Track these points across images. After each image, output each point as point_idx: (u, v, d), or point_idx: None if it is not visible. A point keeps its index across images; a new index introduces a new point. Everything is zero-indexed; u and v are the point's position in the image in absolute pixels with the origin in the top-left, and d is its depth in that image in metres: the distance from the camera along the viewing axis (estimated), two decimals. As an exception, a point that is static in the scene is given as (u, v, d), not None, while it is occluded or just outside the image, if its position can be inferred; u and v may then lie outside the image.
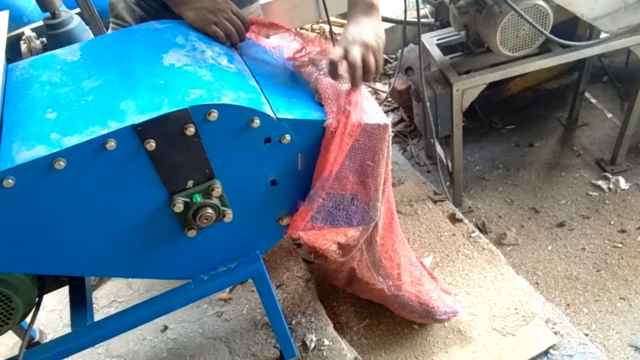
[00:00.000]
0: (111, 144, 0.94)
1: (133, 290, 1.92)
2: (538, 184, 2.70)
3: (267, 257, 1.90)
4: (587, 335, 2.01)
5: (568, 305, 2.14)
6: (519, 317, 1.76)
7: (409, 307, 1.66)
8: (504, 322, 1.75)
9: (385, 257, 1.56)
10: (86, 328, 1.18)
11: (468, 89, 2.14)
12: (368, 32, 1.12)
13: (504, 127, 3.08)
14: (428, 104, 2.15)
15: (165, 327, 1.74)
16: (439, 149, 2.58)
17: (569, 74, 3.09)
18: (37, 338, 1.66)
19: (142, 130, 0.95)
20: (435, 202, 2.26)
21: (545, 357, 1.67)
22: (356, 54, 1.07)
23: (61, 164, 0.92)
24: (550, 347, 1.68)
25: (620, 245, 2.33)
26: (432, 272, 1.82)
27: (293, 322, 1.67)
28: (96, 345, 1.72)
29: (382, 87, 3.49)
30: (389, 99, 3.37)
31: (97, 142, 0.93)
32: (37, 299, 1.21)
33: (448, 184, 2.60)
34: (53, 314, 1.88)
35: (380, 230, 1.48)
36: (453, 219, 2.16)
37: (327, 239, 1.73)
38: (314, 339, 1.61)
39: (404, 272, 1.63)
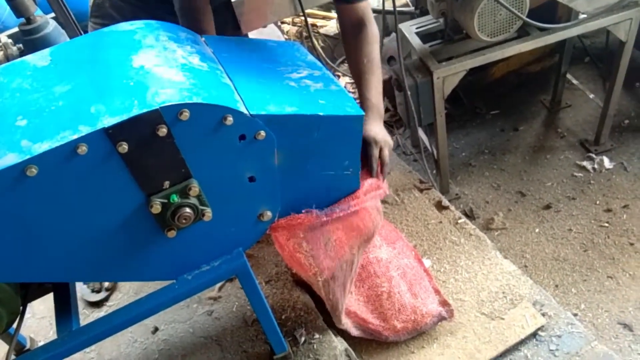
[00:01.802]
0: (83, 149, 0.93)
1: (122, 294, 1.92)
2: (524, 167, 2.72)
3: (256, 253, 1.90)
4: (576, 315, 2.04)
5: (557, 286, 2.16)
6: (507, 300, 1.77)
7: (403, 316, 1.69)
8: (492, 306, 1.77)
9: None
10: (72, 333, 1.18)
11: (448, 76, 2.15)
12: (386, 134, 1.47)
13: (489, 113, 3.09)
14: (409, 93, 2.15)
15: (156, 329, 1.75)
16: (423, 137, 2.58)
17: (551, 56, 3.10)
18: (27, 346, 1.66)
19: (113, 133, 0.94)
20: (421, 190, 2.26)
21: (534, 339, 1.69)
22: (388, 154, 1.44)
23: (33, 170, 0.92)
24: (539, 329, 1.69)
25: (606, 224, 2.35)
26: (428, 270, 1.83)
27: (283, 317, 1.67)
28: (87, 350, 1.72)
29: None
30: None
31: (68, 147, 0.92)
32: (21, 308, 1.21)
33: (434, 171, 2.61)
34: (43, 321, 1.88)
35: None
36: (439, 206, 2.17)
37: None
38: (304, 332, 1.62)
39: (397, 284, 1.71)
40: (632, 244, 2.25)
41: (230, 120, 1.02)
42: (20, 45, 1.87)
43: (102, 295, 1.88)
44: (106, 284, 1.91)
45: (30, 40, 1.81)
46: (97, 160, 0.96)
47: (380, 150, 1.42)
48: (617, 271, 2.17)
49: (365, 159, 1.42)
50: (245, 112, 1.05)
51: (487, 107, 3.12)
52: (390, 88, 2.95)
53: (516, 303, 1.76)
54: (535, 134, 2.91)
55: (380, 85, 1.53)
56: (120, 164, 0.99)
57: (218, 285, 1.82)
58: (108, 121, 0.94)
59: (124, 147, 0.96)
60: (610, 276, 2.16)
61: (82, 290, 1.89)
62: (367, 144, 1.40)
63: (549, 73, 3.10)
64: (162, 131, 0.97)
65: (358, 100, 1.47)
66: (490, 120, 3.06)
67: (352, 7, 1.52)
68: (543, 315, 1.72)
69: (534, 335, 1.69)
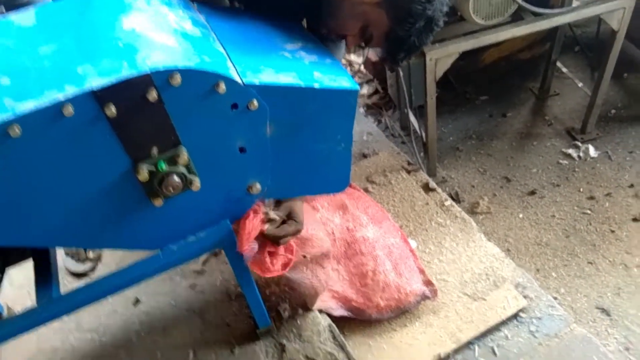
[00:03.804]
0: (69, 110, 0.90)
1: (103, 265, 1.89)
2: (510, 153, 2.74)
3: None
4: (555, 298, 2.07)
5: (538, 270, 2.19)
6: (490, 282, 1.79)
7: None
8: (475, 287, 1.79)
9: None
10: (51, 301, 1.16)
11: (441, 58, 2.13)
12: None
13: (478, 98, 3.09)
14: (401, 74, 2.13)
15: (137, 300, 1.73)
16: (413, 119, 2.57)
17: (542, 44, 3.11)
18: (5, 313, 1.63)
19: (101, 96, 0.91)
20: (409, 172, 2.26)
21: (515, 320, 1.71)
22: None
23: (16, 131, 0.88)
24: (520, 310, 1.72)
25: (588, 211, 2.39)
26: (414, 249, 1.84)
27: (267, 291, 1.67)
28: (66, 320, 1.70)
29: (356, 58, 3.45)
30: (363, 71, 3.34)
31: (54, 108, 0.89)
32: (0, 274, 1.18)
33: (422, 154, 2.61)
34: (21, 290, 1.85)
35: None
36: (426, 188, 2.18)
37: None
38: (288, 307, 1.62)
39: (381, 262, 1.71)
40: (612, 231, 2.29)
41: (222, 88, 1.00)
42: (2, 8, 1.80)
43: (87, 266, 1.85)
44: (91, 254, 1.87)
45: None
46: (84, 122, 0.93)
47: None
48: (597, 257, 2.21)
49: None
50: (239, 80, 1.02)
51: (476, 92, 3.12)
52: (382, 69, 2.94)
53: (499, 285, 1.78)
54: (523, 120, 2.92)
55: None
56: (107, 127, 0.95)
57: (202, 258, 1.81)
58: (96, 82, 0.91)
59: (112, 111, 0.93)
60: (591, 262, 2.20)
61: (65, 261, 1.86)
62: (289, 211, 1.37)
63: (539, 61, 3.11)
64: (152, 96, 0.94)
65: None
66: (480, 105, 3.06)
67: None
68: (524, 297, 1.75)
69: (515, 316, 1.71)
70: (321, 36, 1.30)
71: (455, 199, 2.54)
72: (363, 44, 1.32)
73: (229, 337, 1.59)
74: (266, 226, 1.29)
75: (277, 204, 1.39)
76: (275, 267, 1.33)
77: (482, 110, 3.03)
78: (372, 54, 2.99)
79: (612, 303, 2.03)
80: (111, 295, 1.23)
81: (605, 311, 2.01)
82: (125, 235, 1.15)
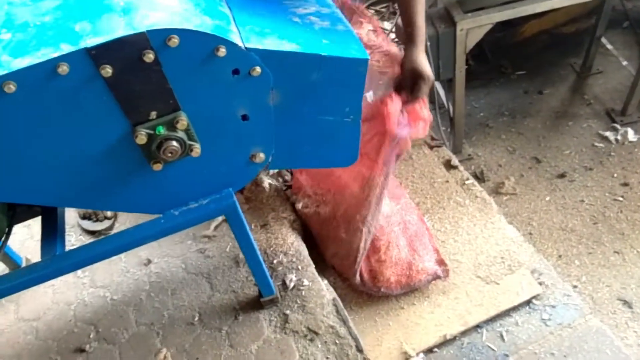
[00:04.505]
0: (63, 68, 0.88)
1: (120, 224, 1.92)
2: (543, 132, 2.62)
3: (254, 195, 1.87)
4: (575, 287, 2.00)
5: (560, 256, 2.11)
6: (505, 266, 1.74)
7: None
8: (489, 270, 1.73)
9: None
10: (54, 258, 1.17)
11: (473, 28, 2.02)
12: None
13: (514, 73, 2.95)
14: (429, 43, 2.03)
15: (149, 261, 1.75)
16: (441, 92, 2.48)
17: (588, 18, 2.91)
18: (23, 265, 1.68)
19: (96, 55, 0.89)
20: (431, 147, 2.19)
21: (528, 307, 1.66)
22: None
23: (11, 87, 0.87)
24: (534, 297, 1.66)
25: (620, 198, 2.27)
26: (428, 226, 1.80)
27: (274, 261, 1.66)
28: (80, 275, 1.75)
29: (389, 25, 3.33)
30: (394, 38, 3.23)
31: (47, 65, 0.87)
32: (7, 228, 1.21)
33: (449, 129, 2.52)
34: (41, 244, 1.90)
35: None
36: (448, 165, 2.11)
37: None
38: (294, 278, 1.61)
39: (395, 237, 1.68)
40: (644, 221, 2.17)
41: (222, 51, 0.96)
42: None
43: (104, 225, 1.88)
44: (108, 213, 1.90)
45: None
46: (80, 82, 0.91)
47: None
48: (625, 247, 2.11)
49: (403, 89, 1.36)
50: (241, 44, 0.98)
51: (513, 66, 2.97)
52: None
53: (514, 269, 1.72)
54: (560, 98, 2.77)
55: (424, 9, 1.36)
56: (104, 88, 0.94)
57: (214, 223, 1.81)
58: (91, 41, 0.89)
59: (107, 71, 0.91)
60: (617, 251, 2.10)
61: (81, 222, 1.90)
62: (417, 77, 1.32)
63: (584, 36, 2.92)
64: (149, 57, 0.92)
65: (401, 27, 1.36)
66: (515, 80, 2.92)
67: None
68: (540, 284, 1.69)
69: (527, 303, 1.66)
70: None
71: (480, 177, 2.45)
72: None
73: (234, 303, 1.60)
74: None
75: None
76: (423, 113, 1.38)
77: (518, 85, 2.89)
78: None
79: (636, 295, 1.94)
80: (116, 255, 1.25)
81: (627, 303, 1.93)
82: (126, 199, 1.15)
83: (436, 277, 1.70)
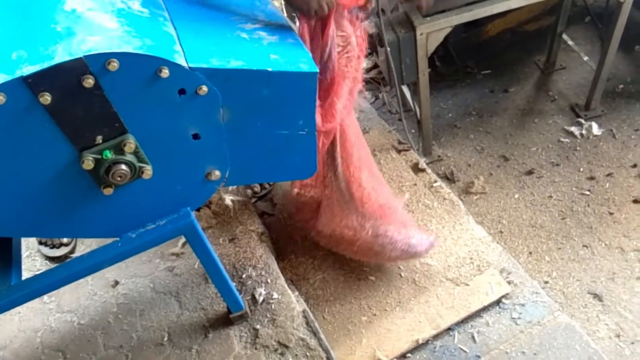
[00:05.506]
0: (0, 98, 0.86)
1: (85, 246, 1.89)
2: (510, 130, 2.64)
3: (221, 210, 1.86)
4: (547, 282, 2.02)
5: (530, 253, 2.13)
6: (474, 266, 1.75)
7: (390, 246, 1.63)
8: (459, 271, 1.74)
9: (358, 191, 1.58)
10: (10, 288, 1.15)
11: (433, 32, 2.04)
12: None
13: (480, 72, 2.98)
14: (389, 49, 2.04)
15: (117, 282, 1.73)
16: (407, 96, 2.49)
17: (550, 14, 2.96)
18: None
19: (33, 83, 0.87)
20: (399, 151, 2.20)
21: (498, 306, 1.67)
22: None
23: (-53, 120, 0.85)
24: (503, 297, 1.67)
25: (587, 192, 2.30)
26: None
27: (244, 275, 1.65)
28: (47, 300, 1.71)
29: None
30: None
31: (-17, 96, 0.86)
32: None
33: (418, 132, 2.54)
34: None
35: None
36: (416, 168, 2.12)
37: None
38: (264, 292, 1.60)
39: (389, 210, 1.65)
40: (611, 214, 2.20)
41: (166, 72, 0.95)
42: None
43: (63, 251, 1.84)
44: (64, 240, 1.86)
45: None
46: (18, 111, 0.90)
47: None
48: (593, 240, 2.14)
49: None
50: (184, 64, 0.98)
51: (478, 66, 3.00)
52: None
53: (483, 270, 1.74)
54: (525, 96, 2.81)
55: None
56: (44, 115, 0.92)
57: (182, 241, 1.79)
58: (27, 69, 0.87)
59: (46, 98, 0.89)
60: (586, 245, 2.13)
61: (40, 248, 1.86)
62: None
63: (547, 33, 2.96)
64: (89, 82, 0.90)
65: None
66: (481, 80, 2.95)
67: None
68: (509, 283, 1.70)
69: (497, 302, 1.67)
70: None
71: (450, 178, 2.47)
72: None
73: (204, 320, 1.58)
74: None
75: None
76: None
77: (484, 85, 2.91)
78: (370, 26, 2.88)
79: (605, 288, 1.97)
80: (72, 282, 1.22)
81: (597, 296, 1.95)
82: (80, 225, 1.13)
83: (431, 243, 1.70)
